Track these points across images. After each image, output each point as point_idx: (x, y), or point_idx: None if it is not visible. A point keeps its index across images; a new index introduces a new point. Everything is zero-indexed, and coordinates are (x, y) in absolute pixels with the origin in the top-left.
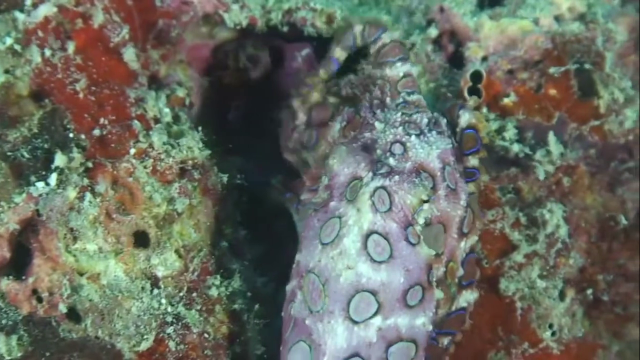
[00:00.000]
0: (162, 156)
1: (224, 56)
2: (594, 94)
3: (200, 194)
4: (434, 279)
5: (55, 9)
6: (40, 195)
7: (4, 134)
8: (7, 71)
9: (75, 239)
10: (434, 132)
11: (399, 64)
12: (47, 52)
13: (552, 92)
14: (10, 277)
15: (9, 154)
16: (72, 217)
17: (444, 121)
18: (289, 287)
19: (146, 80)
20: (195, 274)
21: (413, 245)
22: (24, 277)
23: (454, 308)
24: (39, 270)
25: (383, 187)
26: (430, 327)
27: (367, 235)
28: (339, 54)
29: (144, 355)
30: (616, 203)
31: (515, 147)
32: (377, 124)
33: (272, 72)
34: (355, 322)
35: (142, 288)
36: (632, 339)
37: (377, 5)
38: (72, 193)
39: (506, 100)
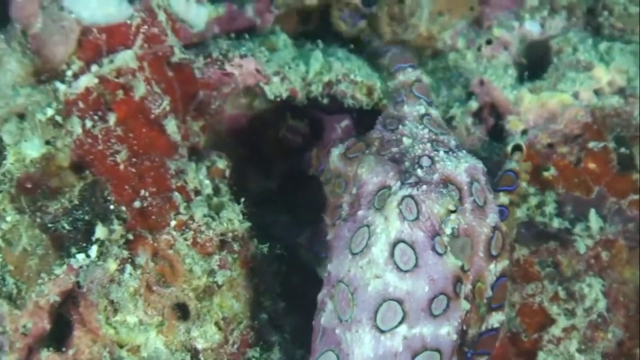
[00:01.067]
0: (203, 228)
1: (264, 126)
2: (633, 168)
3: (240, 266)
4: (460, 290)
5: (96, 80)
6: (81, 267)
7: (45, 206)
8: (47, 142)
9: (115, 311)
10: (463, 151)
11: (410, 69)
12: (88, 123)
13: (592, 165)
14: (51, 348)
15: (49, 225)
16: (112, 289)
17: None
18: (319, 296)
19: (186, 151)
20: (235, 346)
21: (440, 255)
22: (64, 349)
23: (484, 328)
24: (80, 342)
25: (411, 196)
26: (455, 337)
27: (395, 244)
28: None
29: None
30: None
31: (555, 222)
32: (405, 139)
33: (311, 142)
34: (381, 331)
35: None
36: None
37: None
38: (112, 265)
39: (546, 174)
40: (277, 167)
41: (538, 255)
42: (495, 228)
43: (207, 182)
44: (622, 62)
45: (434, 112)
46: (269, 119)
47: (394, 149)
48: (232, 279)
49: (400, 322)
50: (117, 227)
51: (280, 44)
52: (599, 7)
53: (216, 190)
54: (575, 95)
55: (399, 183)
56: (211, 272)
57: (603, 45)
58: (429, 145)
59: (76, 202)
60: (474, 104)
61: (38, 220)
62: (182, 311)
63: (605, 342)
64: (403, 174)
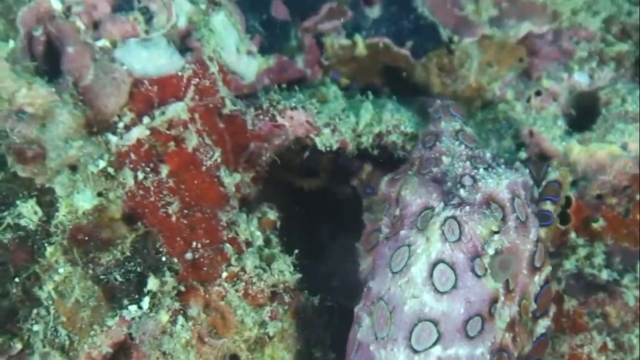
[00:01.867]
0: (254, 280)
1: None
2: None
3: (290, 317)
4: (495, 311)
5: (147, 132)
6: (133, 318)
7: (97, 257)
8: (100, 194)
9: None
10: (502, 165)
11: (455, 119)
12: (140, 175)
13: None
14: None
15: (102, 277)
16: (164, 340)
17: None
18: (356, 310)
19: (238, 203)
20: None
21: (479, 277)
22: None
23: (534, 339)
24: None
25: (454, 217)
26: (488, 357)
27: (434, 265)
28: None
29: None
30: None
31: (604, 274)
32: (444, 158)
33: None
34: (415, 351)
35: None
36: None
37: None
38: (164, 316)
39: (595, 225)
40: (327, 219)
41: (587, 307)
42: (537, 241)
43: (258, 233)
44: None
45: (468, 129)
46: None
47: (435, 169)
48: (283, 330)
49: (435, 343)
50: (169, 279)
51: (331, 95)
52: None
53: (267, 242)
54: (624, 147)
55: (442, 204)
56: (262, 324)
57: None
58: (468, 163)
59: (128, 253)
60: (523, 155)
61: (90, 272)
62: None
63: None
64: (446, 194)
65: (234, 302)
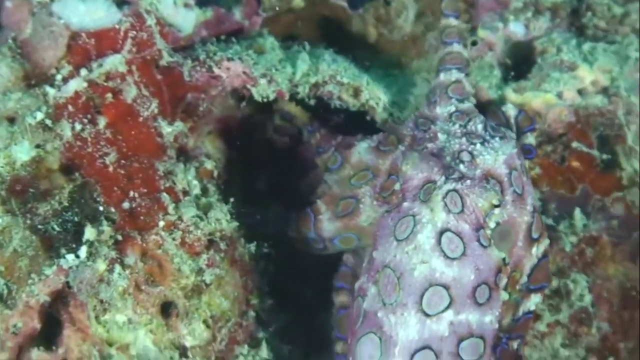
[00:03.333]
0: (191, 228)
1: (252, 127)
2: (617, 166)
3: (227, 265)
4: (500, 282)
5: (85, 84)
6: (71, 267)
7: (35, 207)
8: (37, 146)
9: (105, 310)
10: (497, 138)
11: (454, 71)
12: (78, 127)
13: (576, 164)
14: (41, 348)
15: (39, 227)
16: (101, 289)
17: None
18: (357, 285)
19: (175, 153)
20: (223, 343)
21: (484, 247)
22: (54, 348)
23: (521, 312)
24: (69, 341)
25: (455, 190)
26: (497, 325)
27: (441, 233)
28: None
29: None
30: (638, 273)
31: None
32: (439, 135)
33: (299, 143)
34: (427, 315)
35: (171, 358)
36: None
37: (402, 78)
38: (101, 265)
39: (531, 173)
40: (265, 167)
41: None
42: (534, 211)
43: (195, 182)
44: (606, 62)
45: (464, 105)
46: (257, 120)
47: (430, 145)
48: (221, 277)
49: (447, 307)
50: (107, 228)
51: (268, 46)
52: (582, 8)
53: (204, 191)
54: (559, 95)
55: (443, 178)
56: (199, 271)
57: (587, 46)
58: (464, 139)
59: (66, 203)
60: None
61: (28, 222)
62: (170, 310)
63: (590, 337)
64: (447, 169)
65: (171, 250)
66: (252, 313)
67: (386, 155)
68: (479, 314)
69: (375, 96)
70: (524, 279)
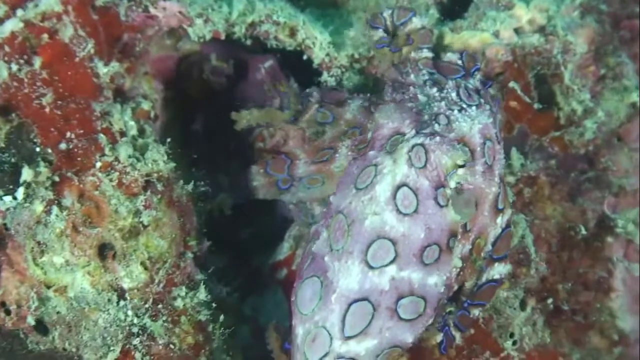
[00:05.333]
0: (128, 169)
1: (189, 68)
2: (554, 106)
3: (165, 206)
4: (454, 245)
5: (21, 25)
6: (8, 209)
7: None
8: None
9: (42, 252)
10: (473, 107)
11: (425, 50)
12: (14, 67)
13: (513, 104)
14: None
15: None
16: (39, 230)
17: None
18: (313, 228)
19: (112, 93)
20: (161, 285)
21: (440, 206)
22: None
23: (484, 279)
24: (7, 283)
25: (422, 145)
26: (442, 289)
27: (398, 187)
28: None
29: None
30: (576, 213)
31: None
32: (420, 96)
33: (235, 83)
34: (370, 267)
35: (109, 300)
36: (592, 347)
37: (339, 18)
38: (39, 207)
39: None
40: (202, 108)
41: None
42: (500, 181)
43: (132, 123)
44: (542, 0)
45: (435, 76)
46: (194, 61)
47: (410, 104)
48: (158, 219)
49: (391, 262)
50: (43, 169)
51: None
52: None
53: (141, 132)
54: (496, 34)
55: (413, 131)
56: (137, 213)
57: None
58: (443, 103)
59: (2, 144)
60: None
61: None
62: (108, 251)
63: (528, 278)
64: (420, 123)
65: (108, 191)
66: (189, 254)
67: (371, 115)
68: (423, 273)
69: (312, 35)
70: (488, 247)
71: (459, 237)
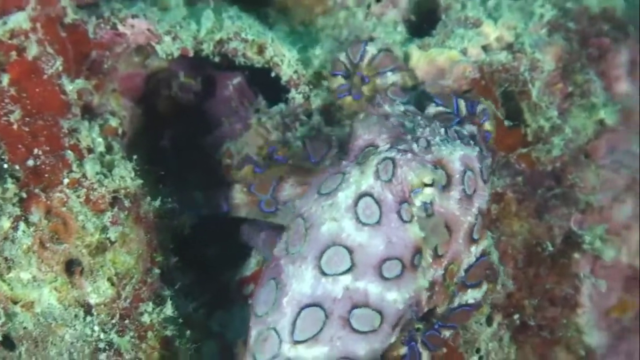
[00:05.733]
0: (95, 186)
1: (157, 85)
2: (522, 123)
3: (132, 222)
4: (419, 263)
5: None
6: None
7: None
8: None
9: (9, 268)
10: (458, 141)
11: (389, 73)
12: None
13: None
14: None
15: None
16: (6, 246)
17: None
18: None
19: (80, 110)
20: (128, 301)
21: (404, 221)
22: None
23: (456, 303)
24: None
25: (392, 159)
26: (401, 307)
27: (361, 196)
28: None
29: None
30: (543, 229)
31: None
32: (406, 122)
33: (204, 100)
34: (324, 274)
35: (76, 315)
36: None
37: (307, 35)
38: (6, 223)
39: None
40: (170, 124)
41: None
42: (479, 214)
43: (99, 140)
44: (510, 18)
45: (412, 108)
46: (162, 78)
47: (398, 128)
48: (125, 235)
49: (346, 272)
50: (11, 186)
51: (172, 3)
52: None
53: (109, 148)
54: (464, 52)
55: (387, 145)
56: (104, 229)
57: (491, 2)
58: (427, 130)
59: None
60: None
61: None
62: (75, 267)
63: (495, 294)
64: (397, 140)
65: (75, 208)
66: (156, 270)
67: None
68: (382, 287)
69: (280, 53)
70: (461, 273)
71: (431, 261)
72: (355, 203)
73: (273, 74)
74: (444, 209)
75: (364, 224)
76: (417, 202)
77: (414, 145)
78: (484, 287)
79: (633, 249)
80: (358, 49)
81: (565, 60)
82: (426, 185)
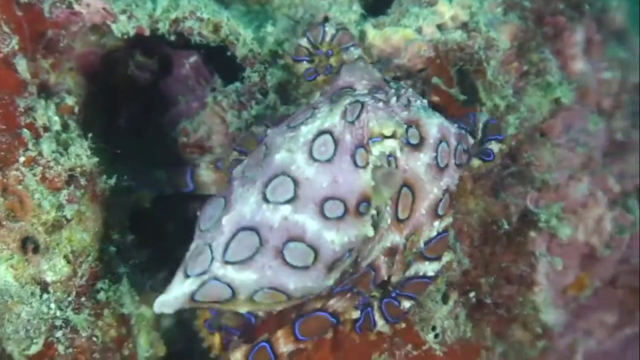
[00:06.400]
0: (51, 164)
1: (113, 64)
2: (477, 102)
3: (88, 200)
4: (365, 213)
5: None
6: None
7: None
8: None
9: None
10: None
11: (352, 48)
12: None
13: (435, 99)
14: None
15: None
16: None
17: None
18: None
19: (36, 89)
20: (84, 278)
21: (356, 165)
22: None
23: (413, 273)
24: None
25: (362, 102)
26: (338, 249)
27: (322, 132)
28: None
29: (33, 358)
30: (499, 207)
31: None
32: (392, 83)
33: (160, 78)
34: (266, 200)
35: (32, 293)
36: (515, 340)
37: (263, 14)
38: None
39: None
40: (126, 103)
41: None
42: (447, 191)
43: (56, 118)
44: None
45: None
46: (118, 56)
47: (382, 81)
48: (81, 212)
49: (287, 202)
50: None
51: None
52: None
53: (65, 127)
54: (419, 31)
55: (365, 90)
56: (60, 207)
57: None
58: (411, 91)
59: None
60: None
61: None
62: (31, 245)
63: (450, 272)
64: (377, 89)
65: (32, 186)
66: (113, 248)
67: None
68: (321, 225)
69: (235, 32)
70: (421, 244)
71: (389, 222)
72: (314, 139)
73: (229, 53)
74: (410, 168)
75: (315, 160)
76: (375, 151)
77: (393, 99)
78: (444, 260)
79: (589, 226)
80: (318, 32)
81: (521, 39)
82: (386, 136)
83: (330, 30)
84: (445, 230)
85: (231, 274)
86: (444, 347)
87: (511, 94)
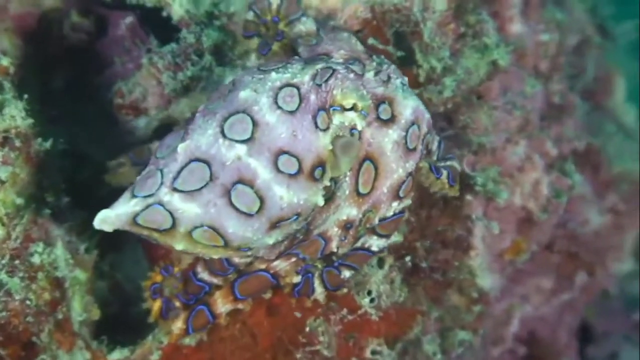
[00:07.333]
0: None
1: (49, 25)
2: (414, 63)
3: (23, 162)
4: (319, 178)
5: None
6: None
7: None
8: None
9: None
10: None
11: (303, 18)
12: None
13: None
14: None
15: None
16: None
17: None
18: None
19: None
20: (18, 241)
21: (316, 127)
22: None
23: (359, 245)
24: None
25: (334, 69)
26: (284, 206)
27: (289, 85)
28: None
29: None
30: None
31: None
32: (374, 59)
33: (96, 39)
34: (223, 135)
35: None
36: (451, 305)
37: None
38: None
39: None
40: (62, 65)
41: None
42: (410, 174)
43: None
44: None
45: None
46: (55, 17)
47: (363, 54)
48: (15, 175)
49: (243, 142)
50: None
51: None
52: None
53: (0, 88)
54: None
55: (341, 60)
56: None
57: None
58: (392, 68)
59: None
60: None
61: None
62: None
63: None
64: (355, 61)
65: None
66: (47, 211)
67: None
68: (272, 176)
69: None
70: (376, 221)
71: (348, 193)
72: (281, 87)
73: (165, 14)
74: (376, 142)
75: (278, 107)
76: (335, 120)
77: (369, 73)
78: (392, 239)
79: (526, 190)
80: (262, 3)
81: (458, 0)
82: (345, 108)
83: (274, 2)
84: (402, 211)
85: (176, 202)
86: (380, 312)
87: (448, 56)
